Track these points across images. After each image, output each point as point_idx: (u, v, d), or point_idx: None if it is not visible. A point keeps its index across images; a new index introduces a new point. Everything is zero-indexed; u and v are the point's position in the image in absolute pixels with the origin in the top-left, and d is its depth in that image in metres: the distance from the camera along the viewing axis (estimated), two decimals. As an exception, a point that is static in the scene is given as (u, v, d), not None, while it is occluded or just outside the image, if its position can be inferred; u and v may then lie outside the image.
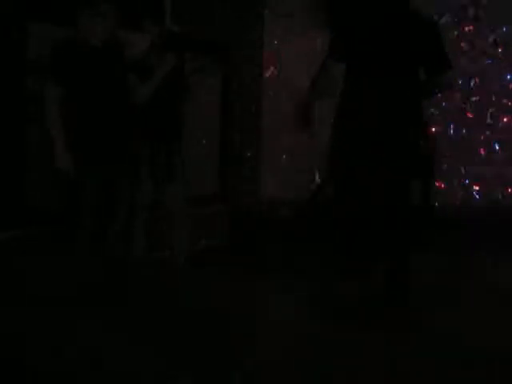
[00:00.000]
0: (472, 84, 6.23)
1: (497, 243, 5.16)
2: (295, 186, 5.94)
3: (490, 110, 6.25)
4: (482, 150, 6.29)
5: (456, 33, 6.18)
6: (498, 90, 6.27)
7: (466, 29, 6.22)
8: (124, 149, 3.74)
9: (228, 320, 3.33)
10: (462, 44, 6.21)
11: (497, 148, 6.30)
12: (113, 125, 3.66)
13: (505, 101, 6.30)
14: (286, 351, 2.93)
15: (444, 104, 6.18)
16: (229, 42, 5.78)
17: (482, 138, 6.28)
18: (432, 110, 6.08)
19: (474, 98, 6.24)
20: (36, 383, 2.55)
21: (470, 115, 6.26)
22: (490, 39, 6.23)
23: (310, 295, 3.90)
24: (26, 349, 2.86)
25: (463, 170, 6.31)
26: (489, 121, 6.25)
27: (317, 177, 6.08)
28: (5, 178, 4.70)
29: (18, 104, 4.77)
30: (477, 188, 6.30)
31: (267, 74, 6.11)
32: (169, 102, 4.25)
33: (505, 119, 6.33)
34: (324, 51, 3.75)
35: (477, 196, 6.30)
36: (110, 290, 3.59)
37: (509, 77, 6.32)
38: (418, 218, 4.28)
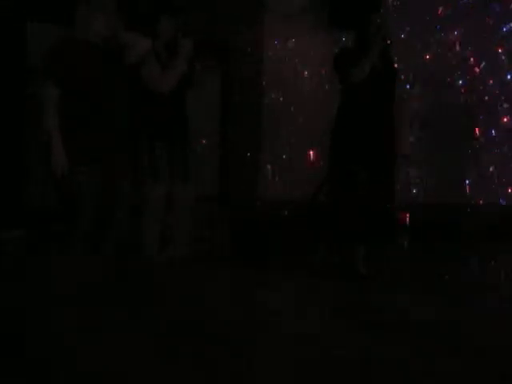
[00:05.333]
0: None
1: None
2: (295, 186, 5.94)
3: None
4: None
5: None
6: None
7: None
8: (122, 149, 3.72)
9: (227, 319, 3.34)
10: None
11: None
12: (111, 125, 3.63)
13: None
14: (285, 351, 2.93)
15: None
16: (229, 41, 5.79)
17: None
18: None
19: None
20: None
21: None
22: None
23: (309, 294, 3.92)
24: (25, 347, 2.87)
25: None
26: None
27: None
28: (5, 179, 4.72)
29: (17, 105, 4.80)
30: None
31: (267, 74, 6.11)
32: (180, 97, 4.21)
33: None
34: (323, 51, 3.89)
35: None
36: (106, 288, 3.59)
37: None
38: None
